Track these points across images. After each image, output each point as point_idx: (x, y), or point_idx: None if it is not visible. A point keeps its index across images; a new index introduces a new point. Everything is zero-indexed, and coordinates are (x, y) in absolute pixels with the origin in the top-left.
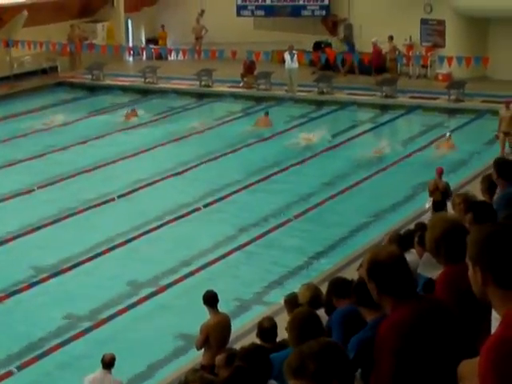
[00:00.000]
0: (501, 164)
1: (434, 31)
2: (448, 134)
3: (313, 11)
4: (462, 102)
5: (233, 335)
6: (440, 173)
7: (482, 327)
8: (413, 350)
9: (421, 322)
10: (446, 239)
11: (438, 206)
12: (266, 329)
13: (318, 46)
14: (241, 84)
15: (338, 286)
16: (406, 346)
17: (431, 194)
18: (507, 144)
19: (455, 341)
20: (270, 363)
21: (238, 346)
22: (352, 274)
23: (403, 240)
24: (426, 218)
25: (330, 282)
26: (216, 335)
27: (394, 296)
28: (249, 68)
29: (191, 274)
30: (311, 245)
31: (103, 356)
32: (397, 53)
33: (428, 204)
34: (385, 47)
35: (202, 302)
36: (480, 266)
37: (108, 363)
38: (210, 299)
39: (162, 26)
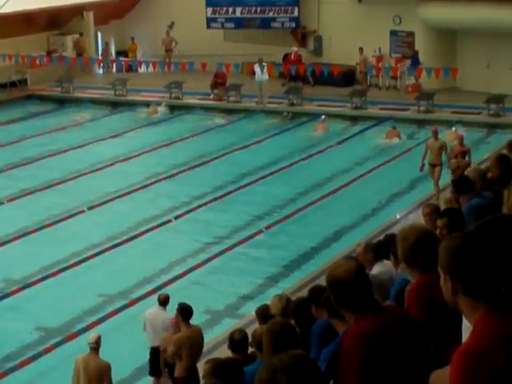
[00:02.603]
0: (457, 182)
1: (403, 43)
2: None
3: (282, 23)
4: (432, 113)
5: (204, 347)
6: (459, 153)
7: (453, 337)
8: (377, 360)
9: (384, 332)
10: (422, 246)
11: None
12: (238, 340)
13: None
14: (211, 96)
15: (318, 294)
16: (370, 357)
17: (453, 172)
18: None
19: (420, 352)
20: (242, 376)
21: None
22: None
23: (375, 250)
24: (397, 228)
25: (309, 289)
26: (188, 348)
27: (353, 311)
28: (219, 79)
29: (162, 286)
30: (282, 255)
31: (159, 295)
32: (367, 64)
33: (399, 215)
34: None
35: (173, 313)
36: (450, 275)
37: (163, 301)
38: (185, 312)
39: (132, 39)
